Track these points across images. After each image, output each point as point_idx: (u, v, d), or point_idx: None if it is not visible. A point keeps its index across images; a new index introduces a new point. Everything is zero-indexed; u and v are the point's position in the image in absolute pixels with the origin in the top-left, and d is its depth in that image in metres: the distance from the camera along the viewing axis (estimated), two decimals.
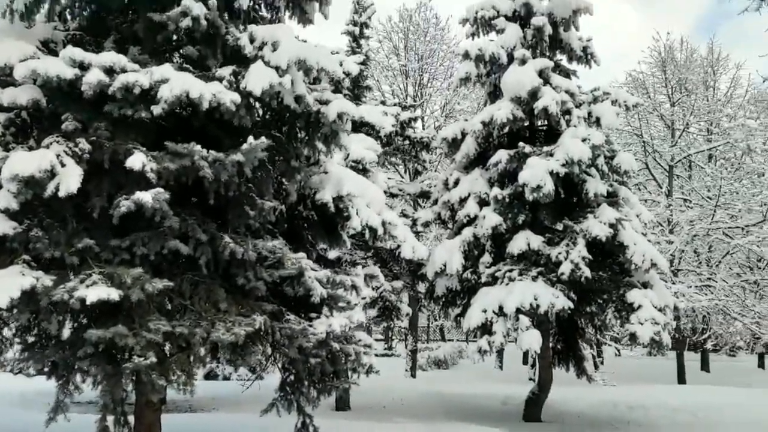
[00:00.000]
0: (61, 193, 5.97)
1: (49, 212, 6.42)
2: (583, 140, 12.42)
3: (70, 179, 5.96)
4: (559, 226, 13.25)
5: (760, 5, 7.83)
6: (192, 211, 7.10)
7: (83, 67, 6.31)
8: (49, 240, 6.20)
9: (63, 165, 6.00)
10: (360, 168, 14.15)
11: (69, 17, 7.91)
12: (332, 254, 11.10)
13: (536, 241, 12.66)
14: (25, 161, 5.81)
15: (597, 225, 12.10)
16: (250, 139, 6.89)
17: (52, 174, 5.95)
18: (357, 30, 17.40)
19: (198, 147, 6.61)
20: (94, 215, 6.49)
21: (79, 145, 6.21)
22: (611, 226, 12.10)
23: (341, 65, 14.21)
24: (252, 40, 7.47)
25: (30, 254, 6.15)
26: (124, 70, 6.41)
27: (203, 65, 7.76)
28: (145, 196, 6.09)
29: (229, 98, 6.73)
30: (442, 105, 25.25)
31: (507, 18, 14.21)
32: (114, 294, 5.84)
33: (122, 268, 6.19)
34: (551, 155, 12.55)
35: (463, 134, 14.40)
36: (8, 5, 6.66)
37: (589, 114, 13.49)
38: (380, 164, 16.60)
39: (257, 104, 7.54)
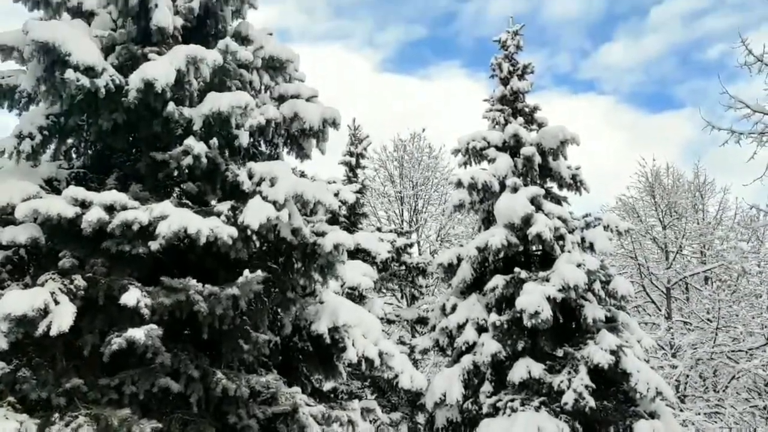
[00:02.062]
0: (53, 332, 5.89)
1: (39, 350, 6.30)
2: (578, 265, 12.51)
3: (63, 318, 5.90)
4: (560, 353, 13.01)
5: (739, 138, 8.19)
6: (184, 345, 6.99)
7: (84, 205, 6.45)
8: (36, 380, 6.05)
9: (57, 303, 5.97)
10: (356, 295, 14.14)
11: (74, 155, 8.21)
12: (328, 385, 10.81)
13: (537, 369, 12.37)
14: (19, 300, 5.79)
15: (598, 352, 11.88)
16: (246, 272, 6.93)
17: (45, 312, 5.90)
18: (353, 160, 18.00)
19: (193, 281, 6.62)
20: (85, 353, 6.37)
21: (75, 281, 6.22)
22: (612, 353, 11.88)
23: (338, 195, 14.56)
24: (251, 176, 7.71)
25: (16, 395, 5.97)
26: (124, 208, 6.55)
27: (202, 200, 7.96)
28: (138, 333, 6.01)
29: (227, 233, 6.82)
30: (437, 230, 25.59)
31: (497, 148, 14.74)
32: None
33: (109, 410, 5.99)
34: (547, 280, 12.58)
35: (459, 259, 14.49)
36: (15, 147, 6.91)
37: (583, 239, 13.69)
38: (377, 290, 16.56)
39: (254, 237, 7.63)
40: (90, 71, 6.76)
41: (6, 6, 7.68)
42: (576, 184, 14.67)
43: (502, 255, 13.59)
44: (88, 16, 7.98)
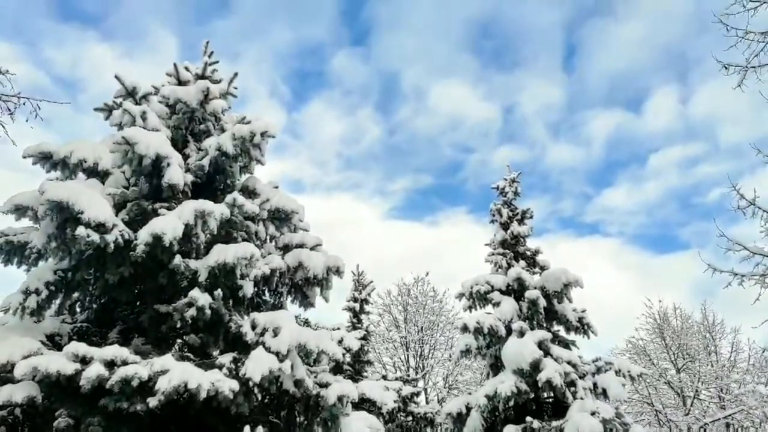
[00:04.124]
0: None
1: None
2: (593, 414, 12.00)
3: None
4: None
5: (742, 281, 8.20)
6: None
7: (85, 361, 6.35)
8: None
9: None
10: None
11: (78, 309, 8.21)
12: None
13: None
14: None
15: None
16: (247, 428, 6.68)
17: None
18: (357, 306, 17.93)
19: None
20: None
21: None
22: None
23: (341, 342, 14.31)
24: (254, 327, 7.66)
25: None
26: (125, 363, 6.44)
27: (205, 352, 7.85)
28: None
29: (228, 386, 6.66)
30: (444, 376, 24.90)
31: (501, 292, 14.71)
32: None
33: None
34: (561, 431, 12.02)
35: (468, 408, 13.95)
36: (21, 303, 6.94)
37: (595, 385, 13.25)
38: None
39: (256, 390, 7.43)
40: (101, 227, 6.95)
41: (27, 168, 8.07)
42: (583, 327, 14.47)
43: (512, 403, 13.10)
44: (102, 176, 8.35)
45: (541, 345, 13.24)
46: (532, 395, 13.26)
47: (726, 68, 8.62)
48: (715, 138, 64.18)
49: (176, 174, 7.91)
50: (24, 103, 6.76)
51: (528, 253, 15.61)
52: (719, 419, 20.68)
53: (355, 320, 17.85)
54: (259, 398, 7.85)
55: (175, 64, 9.76)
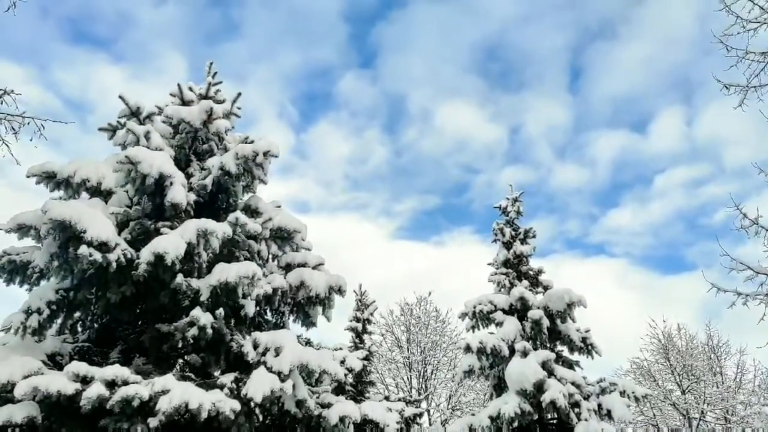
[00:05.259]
0: None
1: None
2: None
3: None
4: None
5: (746, 300, 8.14)
6: None
7: (85, 381, 6.31)
8: None
9: None
10: None
11: (80, 329, 8.18)
12: None
13: None
14: None
15: None
16: None
17: None
18: (360, 326, 17.85)
19: None
20: None
21: None
22: None
23: (344, 362, 14.25)
24: (255, 346, 7.62)
25: None
26: (126, 383, 6.40)
27: (206, 372, 7.81)
28: None
29: (229, 407, 6.61)
30: (447, 397, 24.68)
31: (504, 311, 14.65)
32: None
33: None
34: None
35: (471, 430, 13.80)
36: (22, 322, 6.92)
37: (599, 406, 13.13)
38: None
39: (257, 410, 7.38)
40: (103, 246, 6.95)
41: (30, 187, 8.09)
42: (587, 347, 14.37)
43: (516, 424, 12.97)
44: (106, 195, 8.37)
45: (544, 365, 13.15)
46: (536, 416, 13.14)
47: (727, 88, 8.64)
48: (720, 159, 64.14)
49: (179, 193, 7.93)
50: (28, 123, 6.80)
51: (531, 272, 15.57)
52: None
53: (357, 340, 17.75)
54: (261, 419, 7.76)
55: (178, 85, 9.83)
